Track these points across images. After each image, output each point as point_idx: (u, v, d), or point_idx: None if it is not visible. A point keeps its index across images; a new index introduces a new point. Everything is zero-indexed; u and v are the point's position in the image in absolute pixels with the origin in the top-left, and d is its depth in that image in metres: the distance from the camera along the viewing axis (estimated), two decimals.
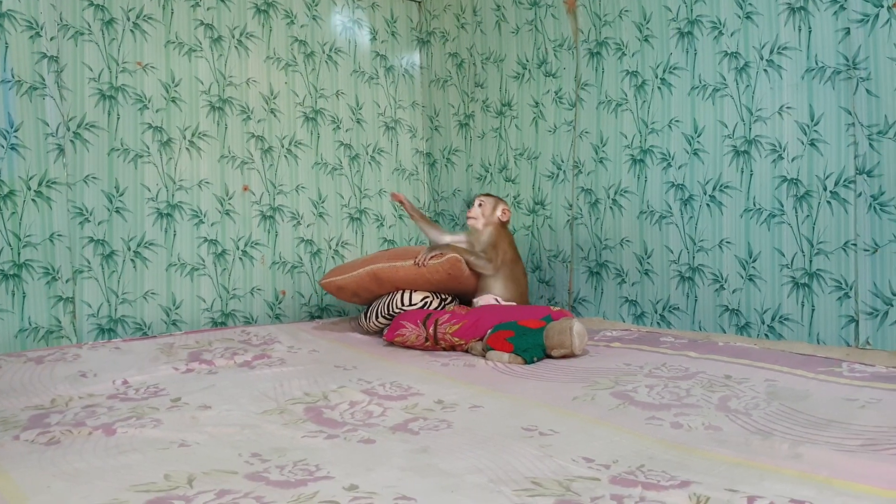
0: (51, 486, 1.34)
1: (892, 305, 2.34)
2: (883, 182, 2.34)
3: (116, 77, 3.29)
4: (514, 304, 3.07)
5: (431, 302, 3.08)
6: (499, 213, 3.21)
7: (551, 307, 2.86)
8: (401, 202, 3.35)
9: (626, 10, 3.16)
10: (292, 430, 1.72)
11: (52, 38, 3.07)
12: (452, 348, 2.77)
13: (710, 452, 1.46)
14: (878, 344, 2.38)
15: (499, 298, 3.07)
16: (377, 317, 3.12)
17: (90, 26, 3.21)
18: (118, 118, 3.29)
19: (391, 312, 3.06)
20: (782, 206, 2.63)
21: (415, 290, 3.10)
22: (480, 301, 3.05)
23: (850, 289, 2.45)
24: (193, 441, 1.64)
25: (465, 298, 3.26)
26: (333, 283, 3.26)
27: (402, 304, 3.05)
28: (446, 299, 3.15)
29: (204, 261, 3.54)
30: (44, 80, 3.03)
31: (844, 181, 2.45)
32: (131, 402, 2.01)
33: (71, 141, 3.14)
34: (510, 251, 3.19)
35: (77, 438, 1.67)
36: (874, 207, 2.37)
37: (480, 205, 3.22)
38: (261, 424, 1.78)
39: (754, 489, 1.24)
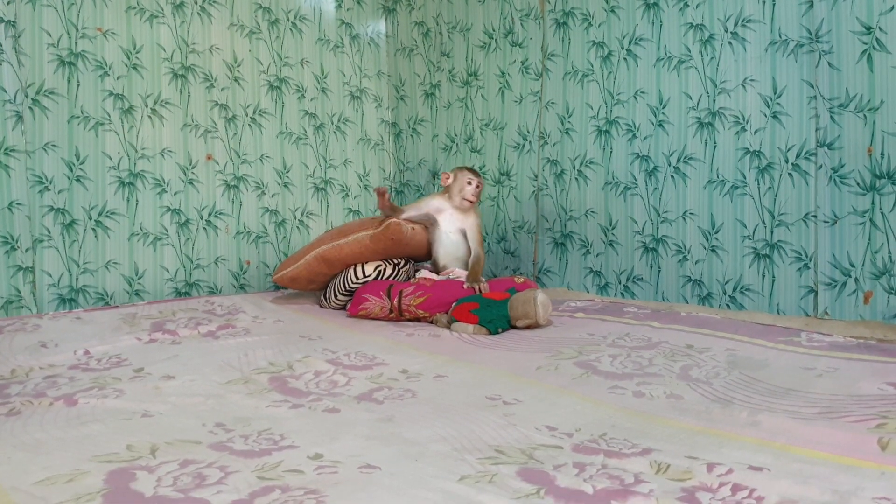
0: (11, 457, 1.33)
1: (849, 276, 2.38)
2: (843, 155, 2.37)
3: (76, 43, 3.22)
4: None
5: (385, 269, 3.06)
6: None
7: (515, 278, 2.87)
8: (381, 195, 3.17)
9: None
10: (257, 400, 1.72)
11: (9, 3, 3.00)
12: (417, 320, 2.78)
13: (672, 420, 1.49)
14: (836, 314, 2.43)
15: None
16: (335, 295, 3.10)
17: None
18: (78, 85, 3.22)
19: (348, 288, 3.05)
20: (745, 177, 2.66)
21: (366, 262, 3.07)
22: (453, 275, 3.02)
23: (810, 260, 2.49)
24: (156, 411, 1.63)
25: (417, 259, 3.27)
26: (286, 276, 3.22)
27: (357, 278, 3.03)
28: (399, 263, 3.13)
29: (167, 230, 3.50)
30: (1, 45, 2.96)
31: (805, 153, 2.48)
32: (93, 373, 1.99)
33: (30, 108, 3.08)
34: None
35: (38, 409, 1.65)
36: (834, 180, 2.40)
37: (479, 186, 3.11)
38: (225, 394, 1.77)
39: (714, 456, 1.26)
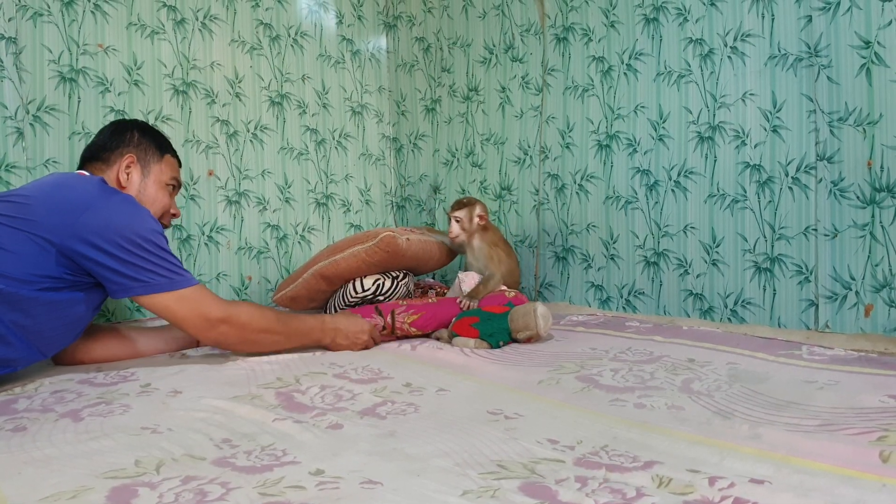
0: (21, 472, 1.34)
1: (850, 289, 2.38)
2: (842, 168, 2.38)
3: (77, 59, 3.24)
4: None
5: (384, 283, 3.04)
6: (476, 220, 3.07)
7: (507, 292, 2.86)
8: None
9: None
10: (262, 415, 1.72)
11: (10, 19, 3.02)
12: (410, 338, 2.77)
13: (673, 431, 1.49)
14: (836, 327, 2.43)
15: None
16: (336, 311, 3.10)
17: (49, 7, 3.15)
18: (79, 101, 3.24)
19: (348, 303, 3.04)
20: (745, 191, 2.66)
21: (365, 276, 3.06)
22: (465, 278, 3.00)
23: (811, 273, 2.49)
24: (164, 427, 1.63)
25: (416, 271, 3.27)
26: (286, 296, 3.22)
27: (356, 292, 3.02)
28: (398, 276, 3.11)
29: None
30: (2, 61, 2.98)
31: (805, 167, 2.48)
32: (100, 388, 2.00)
33: (30, 124, 3.09)
34: (503, 246, 3.14)
35: (44, 425, 1.66)
36: (834, 193, 2.41)
37: (458, 220, 3.07)
38: (231, 409, 1.77)
39: (715, 469, 1.26)
